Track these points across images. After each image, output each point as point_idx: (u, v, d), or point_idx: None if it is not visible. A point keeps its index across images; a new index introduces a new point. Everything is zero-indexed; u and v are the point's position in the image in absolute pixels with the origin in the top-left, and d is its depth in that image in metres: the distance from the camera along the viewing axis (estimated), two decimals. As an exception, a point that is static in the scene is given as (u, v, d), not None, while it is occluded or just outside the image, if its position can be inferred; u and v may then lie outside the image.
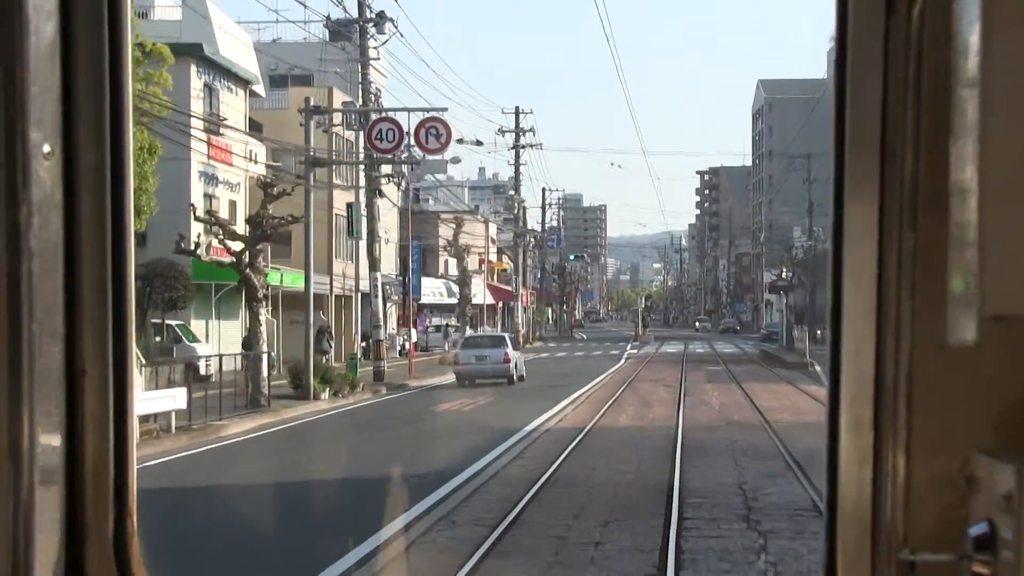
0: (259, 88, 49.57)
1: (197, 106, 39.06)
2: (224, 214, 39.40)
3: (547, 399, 31.86)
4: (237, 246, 29.66)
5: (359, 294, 51.22)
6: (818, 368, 41.18)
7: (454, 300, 67.38)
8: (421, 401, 32.95)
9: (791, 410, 27.17)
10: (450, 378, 44.95)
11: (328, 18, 40.73)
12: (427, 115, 34.39)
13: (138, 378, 20.63)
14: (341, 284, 55.01)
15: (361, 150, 39.60)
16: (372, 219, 40.62)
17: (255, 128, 46.60)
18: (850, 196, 2.12)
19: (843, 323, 2.14)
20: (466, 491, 15.22)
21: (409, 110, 36.09)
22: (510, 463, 18.08)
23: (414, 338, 65.76)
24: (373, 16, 40.31)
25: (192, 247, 29.07)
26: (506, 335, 48.16)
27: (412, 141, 35.06)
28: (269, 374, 36.82)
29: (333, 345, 53.46)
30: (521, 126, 76.64)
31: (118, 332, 2.15)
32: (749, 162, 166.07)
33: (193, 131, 35.82)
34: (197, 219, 29.62)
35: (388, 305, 63.52)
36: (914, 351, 2.05)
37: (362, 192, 40.30)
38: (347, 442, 22.46)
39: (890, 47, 2.06)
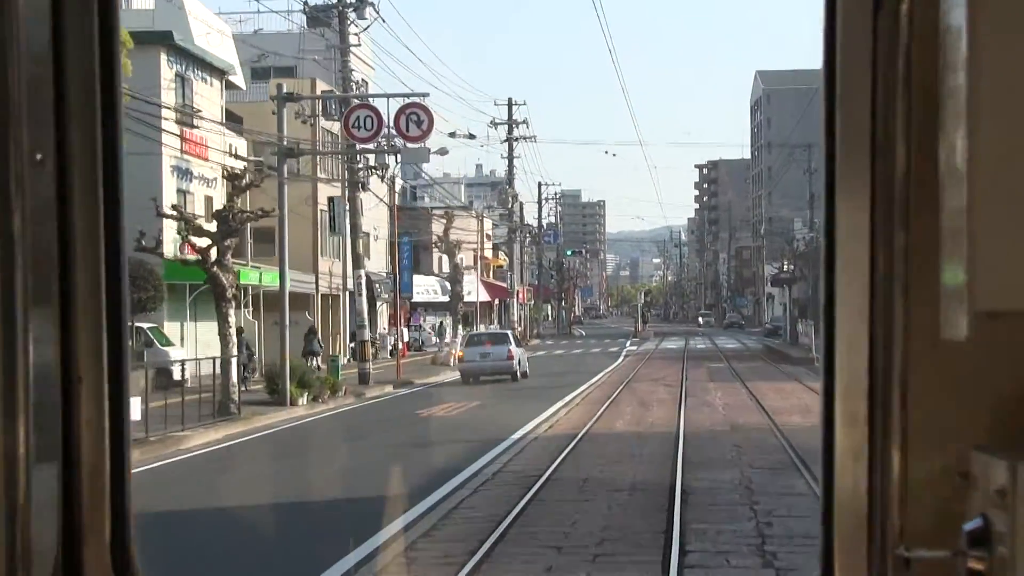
0: (238, 80, 47.56)
1: (169, 97, 37.06)
2: (200, 210, 37.48)
3: (540, 401, 29.89)
4: (205, 243, 27.67)
5: (347, 293, 49.32)
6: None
7: (448, 298, 65.41)
8: (405, 405, 30.92)
9: (800, 411, 25.15)
10: (440, 379, 43.06)
11: (306, 3, 38.72)
12: (407, 101, 32.31)
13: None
14: (328, 283, 53.01)
15: (344, 141, 37.56)
16: (355, 213, 38.61)
17: (234, 121, 44.57)
18: (842, 193, 2.14)
19: (836, 319, 2.15)
20: (427, 523, 13.13)
21: (388, 96, 34.06)
22: (486, 483, 16.01)
23: (405, 337, 64.00)
24: (353, 1, 38.29)
25: (154, 244, 27.00)
26: (509, 332, 47.90)
27: (392, 129, 32.90)
28: (242, 377, 34.91)
29: (323, 346, 51.63)
30: (514, 118, 74.63)
31: (113, 338, 2.16)
32: (748, 154, 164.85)
33: (165, 123, 33.85)
34: (160, 214, 27.57)
35: (379, 304, 61.70)
36: (907, 347, 2.06)
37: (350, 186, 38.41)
38: (308, 457, 20.41)
39: (879, 44, 2.06)
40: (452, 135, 61.78)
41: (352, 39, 39.03)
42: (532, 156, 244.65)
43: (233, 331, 28.49)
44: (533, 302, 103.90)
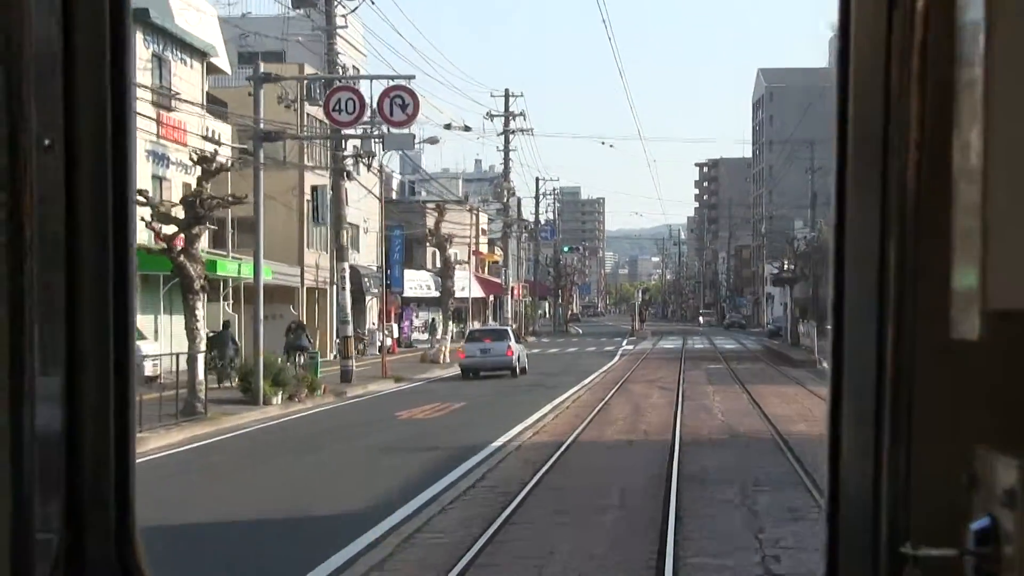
0: (222, 63, 45.69)
1: (145, 78, 35.25)
2: (177, 198, 35.65)
3: (528, 403, 28.16)
4: (172, 231, 25.89)
5: (334, 287, 47.56)
6: (827, 366, 37.36)
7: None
8: (385, 406, 29.14)
9: (805, 418, 23.40)
10: (427, 378, 41.31)
11: (290, -18, 36.93)
12: (391, 83, 30.49)
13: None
14: (314, 276, 51.22)
15: (327, 127, 35.76)
16: (339, 203, 36.81)
17: (218, 105, 42.72)
18: (852, 190, 2.14)
19: (845, 317, 2.16)
20: (383, 550, 11.33)
21: (372, 77, 32.24)
22: (456, 500, 14.24)
23: (395, 333, 62.23)
24: (339, -20, 36.53)
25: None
26: (508, 329, 47.59)
27: (376, 113, 31.08)
28: (227, 374, 33.17)
29: (312, 341, 49.87)
30: (511, 110, 72.81)
31: (119, 325, 2.16)
32: (749, 152, 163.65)
33: (140, 105, 32.07)
34: (125, 199, 25.71)
35: (368, 299, 59.95)
36: (916, 345, 2.05)
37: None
38: (266, 465, 18.56)
39: (893, 40, 2.06)
40: (448, 127, 60.20)
41: (339, 20, 37.26)
42: (530, 151, 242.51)
43: (201, 325, 26.76)
44: (529, 299, 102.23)
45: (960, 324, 1.88)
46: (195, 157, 27.05)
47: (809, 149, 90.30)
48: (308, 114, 45.20)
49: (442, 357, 49.98)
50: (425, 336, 66.63)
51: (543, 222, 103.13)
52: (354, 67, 50.19)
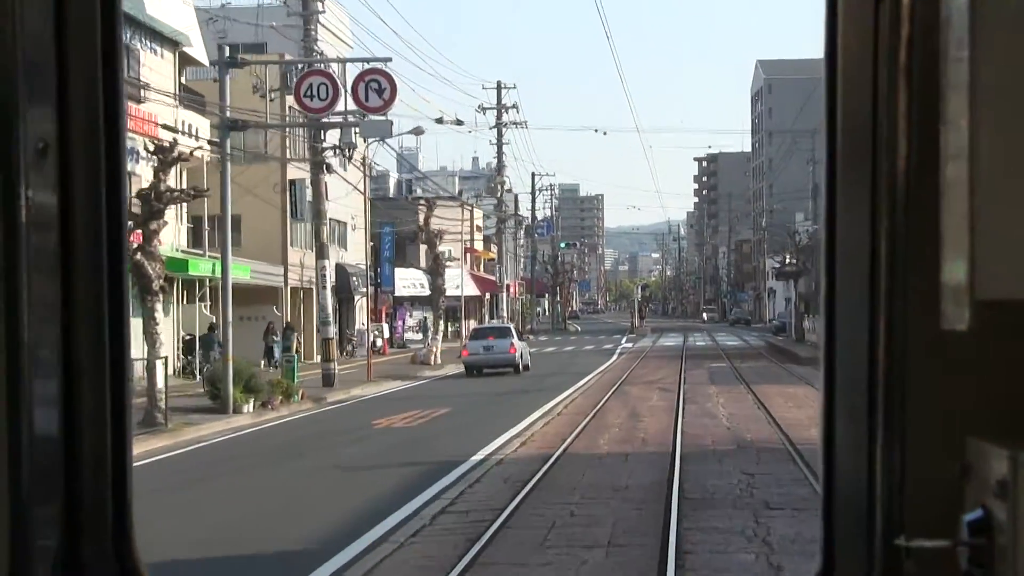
0: (199, 55, 43.57)
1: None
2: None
3: (517, 410, 26.14)
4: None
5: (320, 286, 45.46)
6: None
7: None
8: (364, 413, 27.06)
9: (817, 423, 21.25)
10: (414, 382, 39.29)
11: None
12: (367, 67, 28.38)
13: None
14: (299, 275, 49.12)
15: (300, 115, 33.64)
16: (319, 197, 34.73)
17: (196, 101, 40.62)
18: (843, 184, 2.15)
19: (837, 310, 2.17)
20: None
21: (344, 61, 30.15)
22: (421, 532, 12.16)
23: (386, 334, 60.16)
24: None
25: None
26: (511, 326, 47.52)
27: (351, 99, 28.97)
28: (204, 379, 31.15)
29: (300, 342, 47.85)
30: (504, 103, 70.74)
31: (115, 328, 2.15)
32: (748, 146, 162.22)
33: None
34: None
35: (357, 298, 57.85)
36: (908, 337, 2.06)
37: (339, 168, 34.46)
38: (214, 484, 16.42)
39: (880, 33, 2.06)
40: (439, 121, 58.10)
41: (318, 5, 35.17)
42: (526, 146, 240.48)
43: (161, 329, 24.70)
44: (526, 297, 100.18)
45: (951, 315, 1.89)
46: (151, 147, 24.97)
47: (810, 140, 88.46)
48: (290, 107, 43.12)
49: (433, 358, 47.90)
50: (419, 336, 64.64)
51: (540, 218, 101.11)
52: (338, 57, 48.11)
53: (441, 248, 55.76)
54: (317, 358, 46.92)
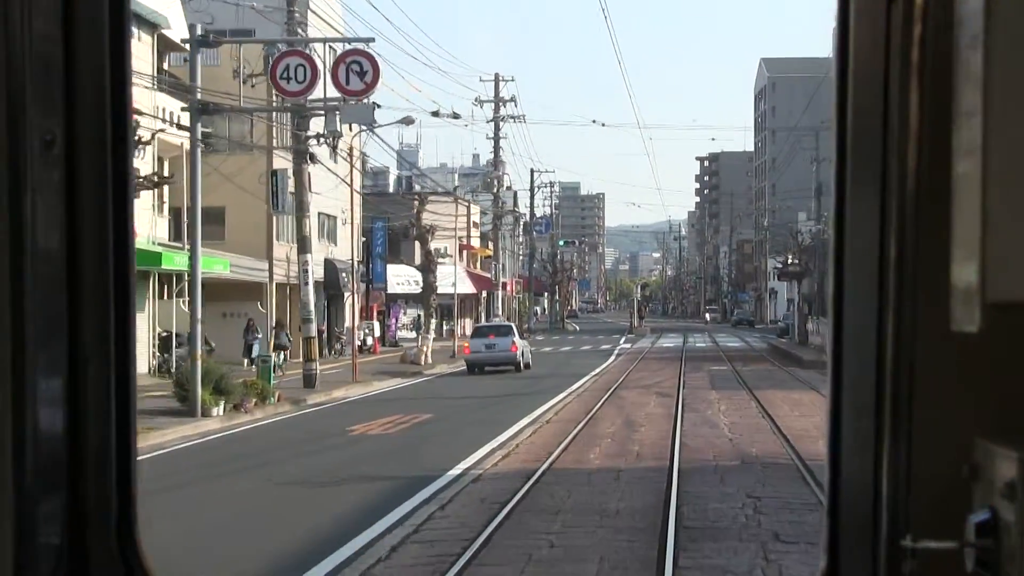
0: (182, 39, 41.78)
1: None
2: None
3: (504, 415, 24.52)
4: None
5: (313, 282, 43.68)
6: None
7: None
8: (340, 418, 25.31)
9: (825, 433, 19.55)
10: (400, 383, 37.61)
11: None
12: (348, 47, 26.62)
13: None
14: (285, 271, 47.34)
15: (279, 99, 31.84)
16: (301, 188, 33.00)
17: (178, 86, 38.87)
18: (852, 183, 2.13)
19: (845, 310, 2.15)
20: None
21: (325, 41, 28.41)
22: (373, 568, 10.43)
23: (377, 332, 58.46)
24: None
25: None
26: (513, 325, 47.57)
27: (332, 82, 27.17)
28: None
29: (291, 341, 46.11)
30: (502, 96, 69.04)
31: (120, 322, 2.16)
32: (751, 144, 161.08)
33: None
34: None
35: (347, 295, 56.08)
36: (916, 338, 2.04)
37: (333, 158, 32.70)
38: (154, 501, 14.70)
39: (892, 32, 2.05)
40: (436, 114, 56.48)
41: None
42: (525, 141, 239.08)
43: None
44: (523, 295, 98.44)
45: (960, 317, 1.88)
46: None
47: (813, 138, 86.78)
48: (276, 94, 41.34)
49: (423, 358, 46.16)
50: (413, 334, 62.97)
51: (539, 215, 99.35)
52: (330, 48, 46.38)
53: (437, 245, 54.16)
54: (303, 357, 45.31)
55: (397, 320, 66.90)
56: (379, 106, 45.82)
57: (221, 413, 25.47)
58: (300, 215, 33.42)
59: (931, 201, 1.97)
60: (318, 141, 32.47)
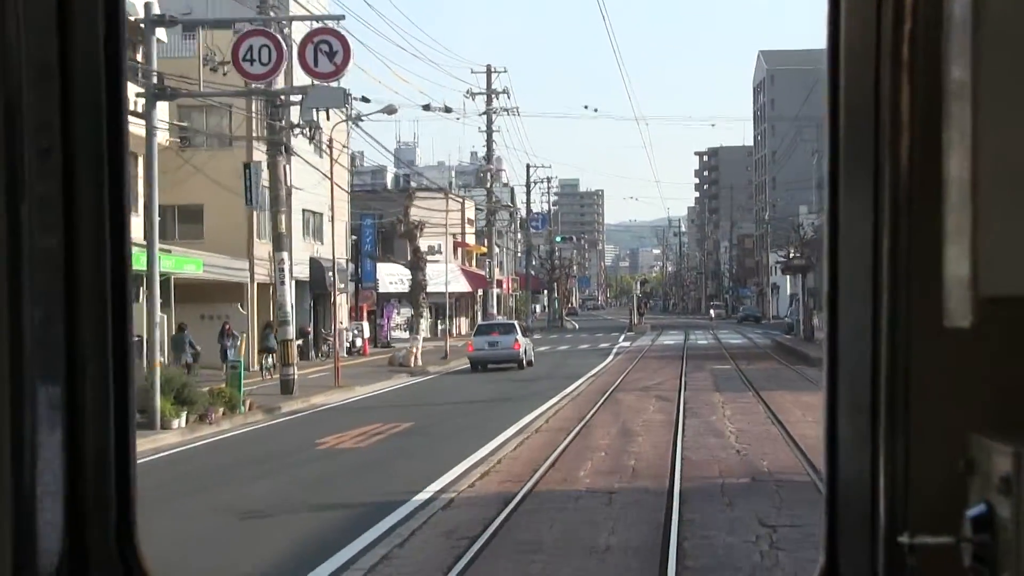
0: (159, 32, 39.75)
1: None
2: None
3: (491, 423, 22.53)
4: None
5: (293, 282, 41.70)
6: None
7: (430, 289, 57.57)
8: (312, 429, 23.26)
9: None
10: (384, 387, 35.59)
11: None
12: (317, 26, 24.57)
13: None
14: (267, 270, 45.28)
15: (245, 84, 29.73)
16: (277, 182, 30.96)
17: (140, 72, 36.76)
18: (845, 179, 2.13)
19: (839, 306, 2.15)
20: None
21: (292, 19, 26.36)
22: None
23: (367, 333, 56.44)
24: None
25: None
26: (515, 323, 47.51)
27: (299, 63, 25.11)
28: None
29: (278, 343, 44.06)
30: (495, 88, 67.01)
31: (118, 325, 2.14)
32: (750, 139, 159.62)
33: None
34: None
35: (333, 295, 54.06)
36: (911, 334, 2.04)
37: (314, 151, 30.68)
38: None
39: (882, 29, 2.05)
40: (427, 108, 54.47)
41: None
42: (520, 136, 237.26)
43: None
44: (520, 293, 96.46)
45: (954, 311, 1.88)
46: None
47: (814, 129, 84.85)
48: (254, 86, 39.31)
49: (413, 360, 44.10)
50: (407, 335, 60.95)
51: (536, 211, 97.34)
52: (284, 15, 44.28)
53: (430, 242, 52.14)
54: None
55: (389, 320, 64.85)
56: (367, 100, 43.85)
57: (182, 425, 23.49)
58: (275, 210, 31.39)
59: (923, 196, 1.97)
60: (293, 132, 30.44)
